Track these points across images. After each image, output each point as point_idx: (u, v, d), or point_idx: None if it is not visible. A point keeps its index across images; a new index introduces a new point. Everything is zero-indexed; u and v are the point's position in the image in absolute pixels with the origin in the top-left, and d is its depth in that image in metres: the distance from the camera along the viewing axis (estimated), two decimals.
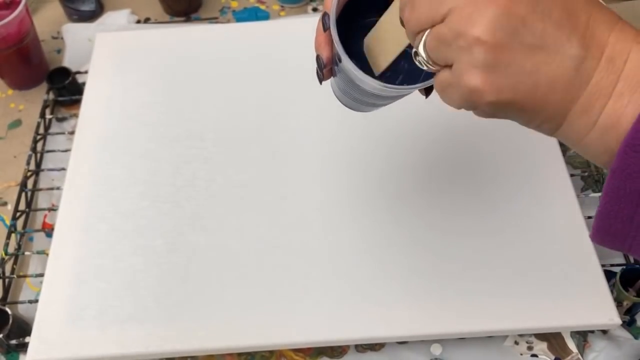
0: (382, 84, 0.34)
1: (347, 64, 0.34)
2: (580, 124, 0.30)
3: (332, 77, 0.39)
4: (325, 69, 0.37)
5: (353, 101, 0.39)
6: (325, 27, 0.35)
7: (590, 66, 0.28)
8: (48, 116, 0.70)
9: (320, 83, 0.40)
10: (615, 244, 0.31)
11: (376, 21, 0.37)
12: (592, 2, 0.29)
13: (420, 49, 0.31)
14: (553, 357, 0.53)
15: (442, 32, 0.29)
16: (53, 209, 0.62)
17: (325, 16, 0.35)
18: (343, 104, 0.42)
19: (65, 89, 0.70)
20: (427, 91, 0.37)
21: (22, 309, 0.57)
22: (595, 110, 0.29)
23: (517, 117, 0.31)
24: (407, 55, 0.34)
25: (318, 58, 0.37)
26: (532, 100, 0.29)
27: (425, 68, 0.31)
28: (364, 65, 0.35)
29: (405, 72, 0.37)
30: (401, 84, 0.35)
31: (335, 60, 0.36)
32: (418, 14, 0.30)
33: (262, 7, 0.80)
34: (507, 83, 0.29)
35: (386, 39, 0.35)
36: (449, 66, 0.30)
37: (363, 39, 0.38)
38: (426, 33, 0.30)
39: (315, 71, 0.38)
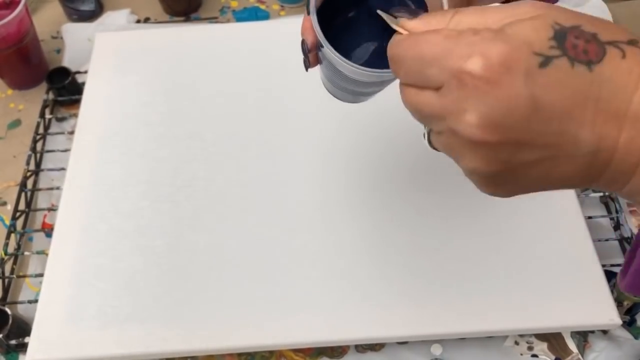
0: (362, 67, 0.33)
1: (326, 48, 0.34)
2: (607, 188, 0.29)
3: (319, 67, 0.39)
4: (311, 54, 0.37)
5: (340, 90, 0.39)
6: (309, 11, 0.35)
7: (606, 153, 0.26)
8: (48, 116, 0.70)
9: (307, 70, 0.39)
10: None
11: (364, 11, 0.36)
12: (598, 75, 0.26)
13: (425, 138, 0.31)
14: (553, 357, 0.53)
15: (442, 145, 0.29)
16: (53, 209, 0.62)
17: (309, 1, 0.35)
18: (331, 95, 0.41)
19: (65, 89, 0.69)
20: None
21: (21, 309, 0.57)
22: (618, 185, 0.28)
23: None
24: (386, 38, 0.33)
25: (303, 42, 0.37)
26: (549, 189, 0.29)
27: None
28: (350, 54, 0.34)
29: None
30: (383, 67, 0.34)
31: (318, 46, 0.36)
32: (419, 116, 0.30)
33: (262, 7, 0.80)
34: (518, 189, 0.29)
35: None
36: None
37: (350, 26, 0.37)
38: (428, 130, 0.30)
39: (302, 60, 0.38)
